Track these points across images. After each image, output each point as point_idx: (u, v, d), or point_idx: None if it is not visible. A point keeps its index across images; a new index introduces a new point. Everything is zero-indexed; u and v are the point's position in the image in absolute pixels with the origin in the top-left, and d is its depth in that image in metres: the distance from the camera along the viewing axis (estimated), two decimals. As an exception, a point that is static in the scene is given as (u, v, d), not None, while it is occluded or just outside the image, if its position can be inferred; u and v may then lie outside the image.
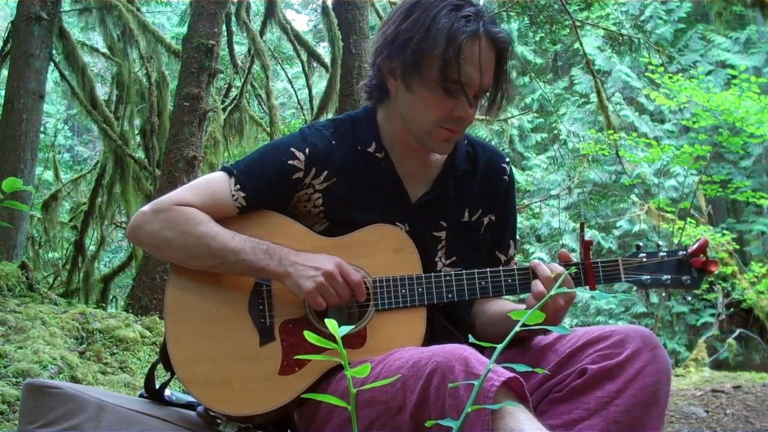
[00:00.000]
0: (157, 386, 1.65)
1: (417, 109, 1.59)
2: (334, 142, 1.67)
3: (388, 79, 1.62)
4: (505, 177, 1.79)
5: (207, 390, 1.54)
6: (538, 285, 1.53)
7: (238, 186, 1.61)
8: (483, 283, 1.59)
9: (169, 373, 1.62)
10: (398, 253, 1.60)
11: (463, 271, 1.60)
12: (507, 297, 1.76)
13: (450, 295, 1.58)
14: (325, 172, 1.64)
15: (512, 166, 1.85)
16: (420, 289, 1.58)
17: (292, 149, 1.64)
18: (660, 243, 1.64)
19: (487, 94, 1.61)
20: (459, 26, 1.50)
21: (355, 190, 1.65)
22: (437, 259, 1.68)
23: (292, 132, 1.74)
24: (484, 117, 1.69)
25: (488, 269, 1.60)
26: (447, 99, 1.54)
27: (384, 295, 1.57)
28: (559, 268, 1.54)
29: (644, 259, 1.59)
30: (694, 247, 1.59)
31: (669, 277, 1.58)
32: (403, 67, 1.55)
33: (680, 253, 1.59)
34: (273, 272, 1.55)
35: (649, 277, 1.58)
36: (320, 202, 1.65)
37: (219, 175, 1.64)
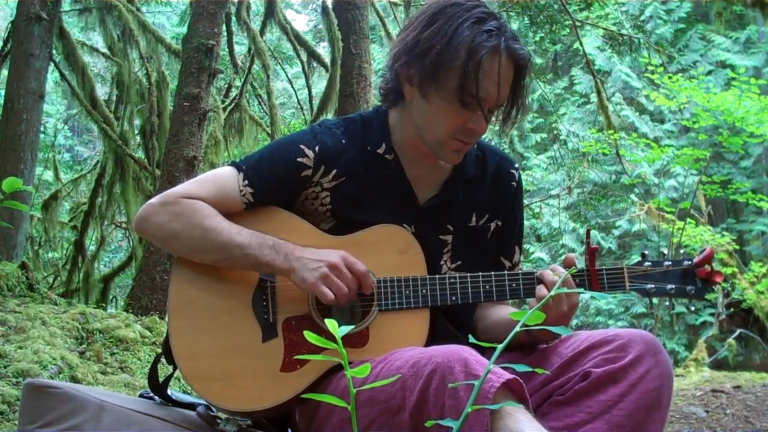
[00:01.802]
0: (160, 381, 1.65)
1: (431, 119, 1.59)
2: (344, 141, 1.67)
3: (404, 85, 1.62)
4: (514, 183, 1.79)
5: (208, 384, 1.54)
6: (541, 290, 1.53)
7: (246, 182, 1.61)
8: (487, 286, 1.59)
9: (171, 366, 1.62)
10: (403, 254, 1.60)
11: (468, 275, 1.60)
12: (510, 303, 1.76)
13: (454, 298, 1.58)
14: (334, 170, 1.64)
15: (521, 172, 1.85)
16: (424, 291, 1.58)
17: (302, 146, 1.64)
18: (665, 252, 1.64)
19: (502, 108, 1.61)
20: (481, 40, 1.49)
21: (363, 190, 1.65)
22: (443, 262, 1.68)
23: (301, 130, 1.74)
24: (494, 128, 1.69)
25: (492, 273, 1.60)
26: (462, 111, 1.54)
27: (388, 296, 1.57)
28: (564, 271, 1.55)
29: (649, 268, 1.60)
30: (700, 257, 1.60)
31: (673, 286, 1.59)
32: (421, 75, 1.55)
33: (685, 263, 1.60)
34: (278, 267, 1.55)
35: (653, 286, 1.59)
36: (327, 200, 1.65)
37: (228, 170, 1.64)
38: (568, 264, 1.58)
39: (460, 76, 1.50)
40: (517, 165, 1.82)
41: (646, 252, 1.64)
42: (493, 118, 1.64)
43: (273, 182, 1.62)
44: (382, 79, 1.71)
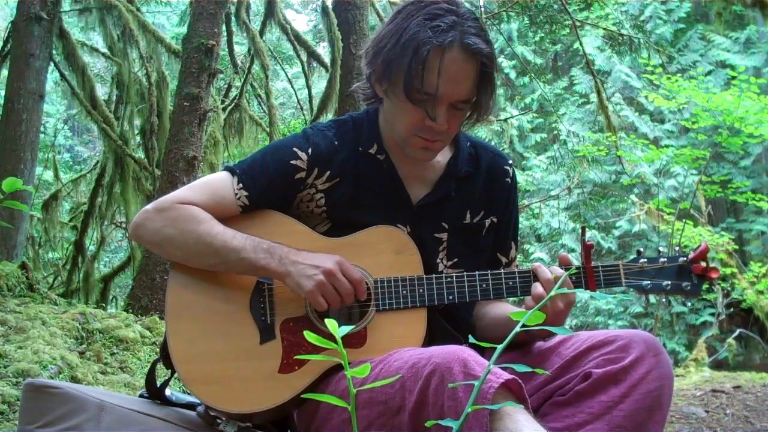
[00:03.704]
0: (158, 385, 1.65)
1: (393, 116, 1.62)
2: (336, 142, 1.67)
3: (374, 83, 1.64)
4: (508, 179, 1.79)
5: (207, 388, 1.54)
6: (537, 287, 1.53)
7: (241, 185, 1.62)
8: (484, 285, 1.59)
9: (169, 371, 1.62)
10: (399, 254, 1.60)
11: (464, 273, 1.60)
12: (508, 300, 1.76)
13: (451, 297, 1.59)
14: (328, 172, 1.65)
15: (515, 168, 1.85)
16: (421, 290, 1.58)
17: (294, 149, 1.64)
18: (661, 249, 1.64)
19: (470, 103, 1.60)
20: (426, 37, 1.49)
21: (357, 190, 1.65)
22: (438, 260, 1.68)
23: (293, 132, 1.75)
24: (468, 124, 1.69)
25: (489, 271, 1.61)
26: (416, 108, 1.54)
27: (385, 296, 1.58)
28: (560, 271, 1.55)
29: (645, 265, 1.60)
30: (695, 253, 1.60)
31: (669, 282, 1.59)
32: (378, 73, 1.58)
33: (681, 259, 1.60)
34: (274, 271, 1.55)
35: (649, 282, 1.59)
36: (323, 202, 1.65)
37: (222, 175, 1.65)
38: (563, 262, 1.58)
39: (406, 73, 1.50)
40: (510, 161, 1.83)
41: (642, 249, 1.64)
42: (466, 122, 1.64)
43: (267, 185, 1.62)
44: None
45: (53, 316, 3.65)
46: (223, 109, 7.73)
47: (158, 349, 2.45)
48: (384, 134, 1.70)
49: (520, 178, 12.75)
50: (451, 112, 1.57)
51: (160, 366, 1.66)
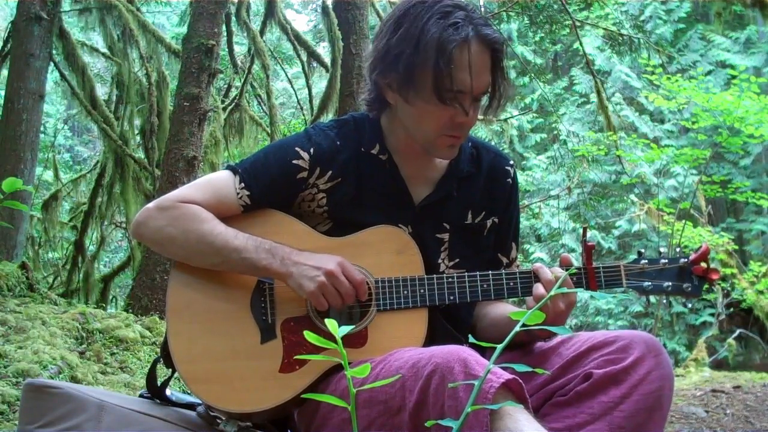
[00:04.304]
0: (159, 384, 1.65)
1: (418, 121, 1.60)
2: (338, 142, 1.67)
3: (386, 92, 1.62)
4: (509, 179, 1.79)
5: (207, 387, 1.54)
6: (539, 288, 1.53)
7: (242, 184, 1.62)
8: (485, 285, 1.59)
9: (169, 370, 1.62)
10: (400, 255, 1.60)
11: (465, 273, 1.60)
12: (509, 300, 1.76)
13: (452, 297, 1.59)
14: (330, 172, 1.65)
15: (516, 169, 1.85)
16: (422, 291, 1.58)
17: (297, 149, 1.64)
18: (662, 250, 1.64)
19: (487, 94, 1.61)
20: (448, 35, 1.49)
21: (359, 191, 1.66)
22: (440, 260, 1.68)
23: (295, 132, 1.75)
24: (482, 117, 1.69)
25: (490, 272, 1.61)
26: (445, 108, 1.54)
27: (386, 296, 1.58)
28: (561, 271, 1.55)
29: (646, 266, 1.60)
30: (696, 254, 1.60)
31: (670, 284, 1.59)
32: (399, 81, 1.56)
33: (682, 260, 1.60)
34: (275, 272, 1.55)
35: (650, 283, 1.59)
36: (324, 202, 1.65)
37: (224, 174, 1.65)
38: (564, 263, 1.58)
39: (434, 75, 1.50)
40: (512, 161, 1.83)
41: (643, 250, 1.64)
42: (483, 116, 1.64)
43: (269, 184, 1.62)
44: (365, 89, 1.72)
45: (53, 316, 3.65)
46: (223, 109, 7.74)
47: (158, 349, 2.46)
48: (387, 135, 1.70)
49: (520, 178, 12.74)
50: (474, 104, 1.58)
51: (160, 365, 1.66)
